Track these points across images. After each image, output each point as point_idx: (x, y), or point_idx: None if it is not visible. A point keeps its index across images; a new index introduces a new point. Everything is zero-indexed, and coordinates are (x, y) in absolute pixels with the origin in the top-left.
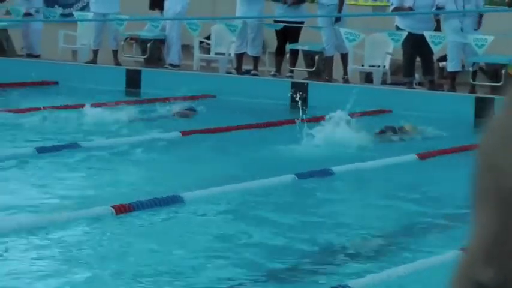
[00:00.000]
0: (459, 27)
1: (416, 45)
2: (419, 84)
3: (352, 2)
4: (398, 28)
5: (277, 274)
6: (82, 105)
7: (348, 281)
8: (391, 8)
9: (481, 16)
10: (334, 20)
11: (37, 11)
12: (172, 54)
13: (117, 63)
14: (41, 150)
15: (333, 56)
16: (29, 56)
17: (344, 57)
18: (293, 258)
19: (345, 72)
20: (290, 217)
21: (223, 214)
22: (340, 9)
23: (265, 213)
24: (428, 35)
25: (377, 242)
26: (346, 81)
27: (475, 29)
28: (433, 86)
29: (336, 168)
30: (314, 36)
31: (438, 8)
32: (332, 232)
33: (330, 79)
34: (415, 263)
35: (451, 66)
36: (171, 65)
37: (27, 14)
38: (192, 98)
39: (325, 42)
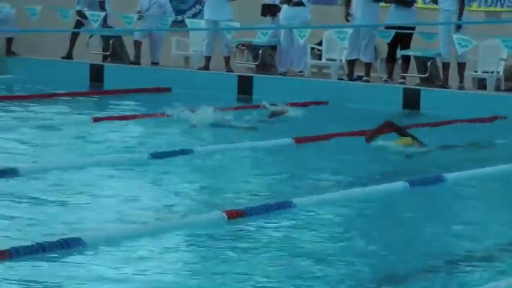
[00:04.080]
0: None
1: None
2: None
3: (465, 8)
4: None
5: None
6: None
7: None
8: None
9: None
10: (455, 27)
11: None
12: (303, 62)
13: (229, 70)
14: (155, 156)
15: (449, 62)
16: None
17: (461, 65)
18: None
19: (461, 80)
20: (402, 226)
21: (333, 220)
22: (460, 16)
23: (375, 221)
24: None
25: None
26: (461, 88)
27: None
28: None
29: (449, 175)
30: (426, 42)
31: None
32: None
33: (444, 85)
34: None
35: None
36: (300, 71)
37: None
38: (304, 104)
39: (442, 48)
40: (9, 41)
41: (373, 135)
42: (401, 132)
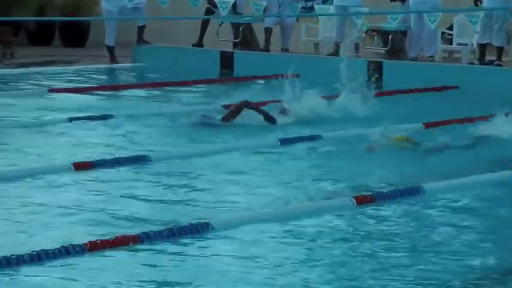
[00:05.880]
0: None
1: None
2: None
3: None
4: None
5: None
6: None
7: None
8: None
9: None
10: None
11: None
12: (434, 47)
13: (359, 56)
14: (284, 142)
15: None
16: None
17: None
18: None
19: None
20: None
21: (463, 206)
22: None
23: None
24: None
25: None
26: None
27: None
28: None
29: None
30: None
31: None
32: None
33: None
34: None
35: None
36: (431, 56)
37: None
38: (435, 89)
39: None
40: (141, 29)
41: None
42: None
